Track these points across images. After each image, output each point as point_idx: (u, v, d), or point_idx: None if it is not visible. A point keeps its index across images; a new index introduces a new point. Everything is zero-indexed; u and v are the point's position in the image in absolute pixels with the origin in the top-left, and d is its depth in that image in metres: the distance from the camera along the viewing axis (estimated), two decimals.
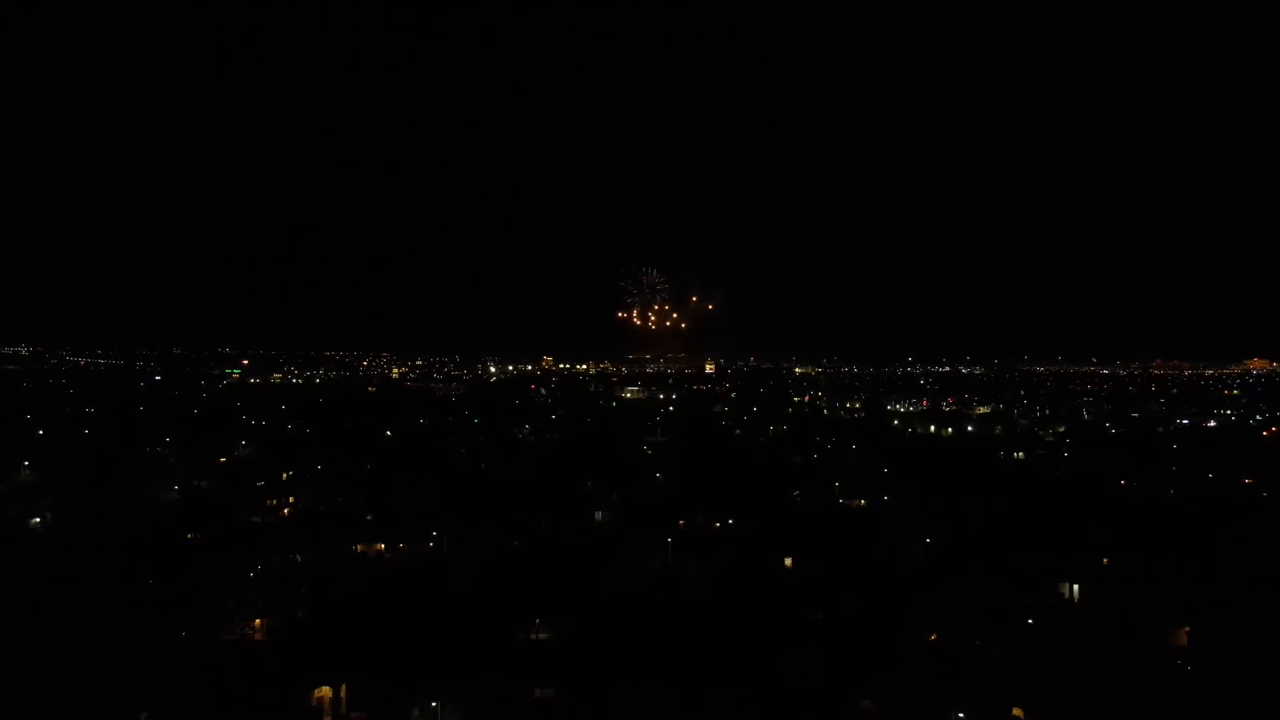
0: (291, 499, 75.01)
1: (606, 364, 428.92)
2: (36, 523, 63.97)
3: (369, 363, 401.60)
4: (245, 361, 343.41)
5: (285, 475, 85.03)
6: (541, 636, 43.23)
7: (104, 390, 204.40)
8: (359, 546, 59.60)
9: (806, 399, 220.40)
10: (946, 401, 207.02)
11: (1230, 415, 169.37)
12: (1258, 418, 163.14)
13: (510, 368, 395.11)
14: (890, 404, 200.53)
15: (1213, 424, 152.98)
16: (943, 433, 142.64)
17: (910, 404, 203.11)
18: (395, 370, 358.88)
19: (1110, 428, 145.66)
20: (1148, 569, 51.11)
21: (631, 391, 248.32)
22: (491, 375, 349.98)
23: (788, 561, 55.46)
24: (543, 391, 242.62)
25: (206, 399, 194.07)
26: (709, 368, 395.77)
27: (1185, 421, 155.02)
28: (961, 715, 34.88)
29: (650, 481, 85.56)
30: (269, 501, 73.42)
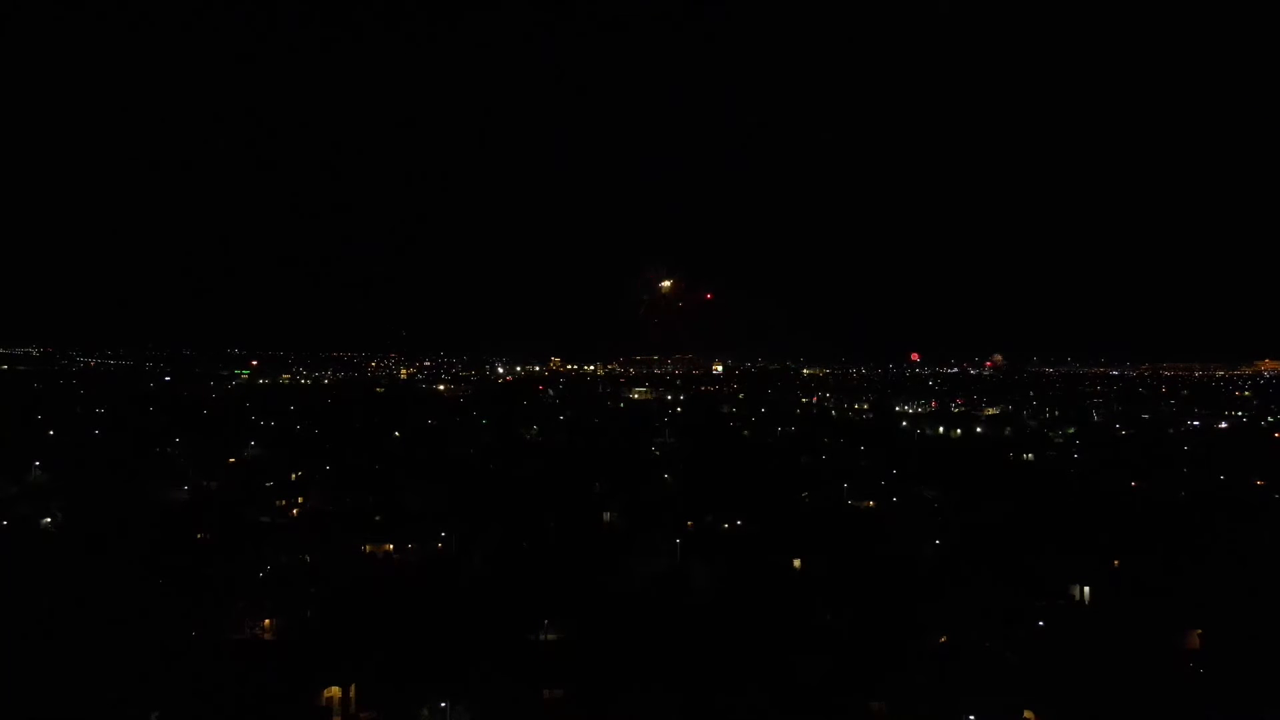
0: (300, 499, 75.17)
1: (615, 365, 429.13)
2: (47, 522, 64.20)
3: (378, 364, 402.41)
4: (254, 362, 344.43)
5: (294, 475, 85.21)
6: (550, 637, 43.20)
7: (114, 391, 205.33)
8: (368, 547, 59.67)
9: (815, 400, 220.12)
10: (955, 403, 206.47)
11: (1242, 416, 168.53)
12: (1269, 419, 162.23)
13: (518, 369, 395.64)
14: (899, 405, 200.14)
15: (1224, 425, 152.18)
16: (951, 434, 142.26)
17: (919, 405, 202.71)
18: (404, 371, 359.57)
19: (1120, 429, 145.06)
20: (1159, 571, 50.84)
21: (640, 392, 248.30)
22: (500, 376, 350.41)
23: (796, 562, 55.34)
24: (551, 392, 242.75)
25: (216, 399, 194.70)
26: (717, 369, 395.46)
27: (1196, 423, 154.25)
28: (972, 718, 34.72)
29: (659, 482, 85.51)
30: (278, 501, 73.56)
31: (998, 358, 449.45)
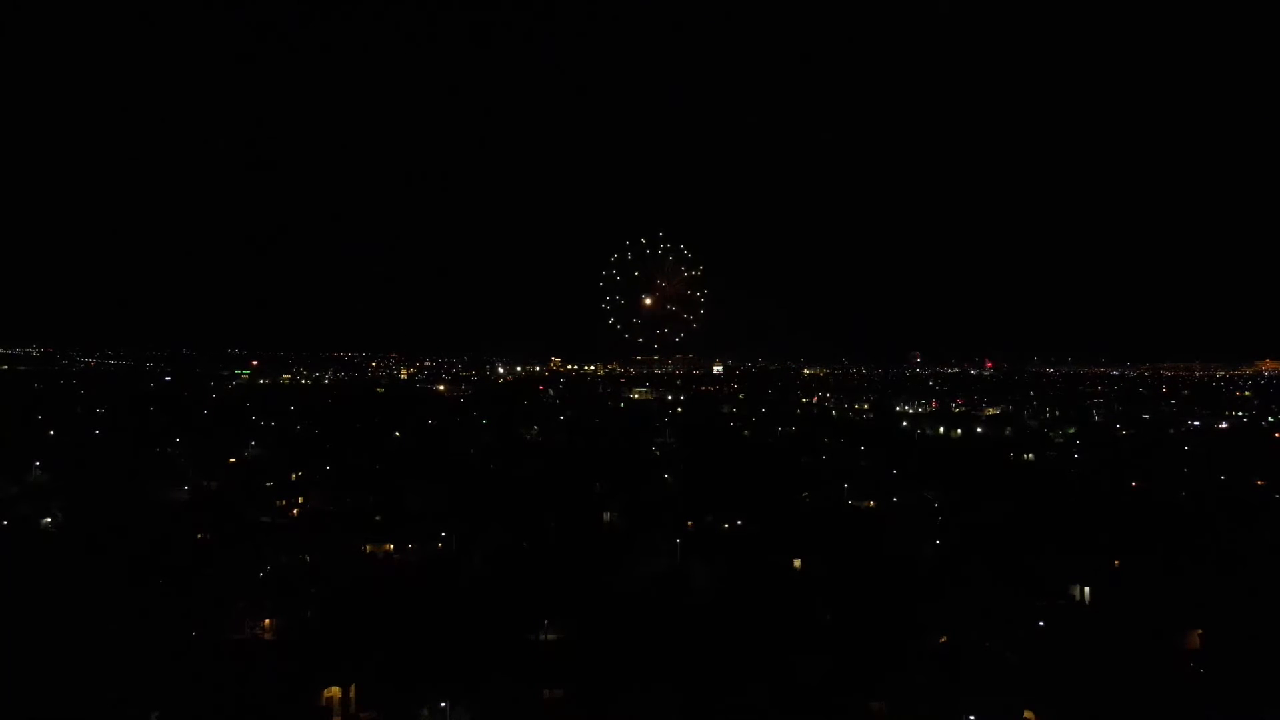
0: (301, 499, 75.20)
1: (615, 365, 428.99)
2: (48, 523, 64.25)
3: (378, 364, 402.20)
4: (255, 362, 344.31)
5: (294, 475, 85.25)
6: (550, 637, 43.23)
7: (114, 391, 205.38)
8: (368, 547, 59.70)
9: (815, 400, 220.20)
10: (955, 403, 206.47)
11: (1242, 417, 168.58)
12: (1269, 419, 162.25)
13: (518, 369, 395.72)
14: (899, 405, 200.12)
15: (1224, 425, 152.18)
16: (952, 434, 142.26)
17: (919, 405, 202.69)
18: (404, 371, 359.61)
19: (1121, 429, 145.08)
20: (1159, 571, 50.84)
21: (640, 392, 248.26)
22: (500, 376, 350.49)
23: (796, 563, 55.35)
24: (551, 392, 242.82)
25: (216, 399, 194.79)
26: (717, 369, 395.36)
27: (1196, 423, 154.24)
28: (972, 717, 34.73)
29: (659, 482, 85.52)
30: (278, 502, 73.60)
31: (1000, 360, 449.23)
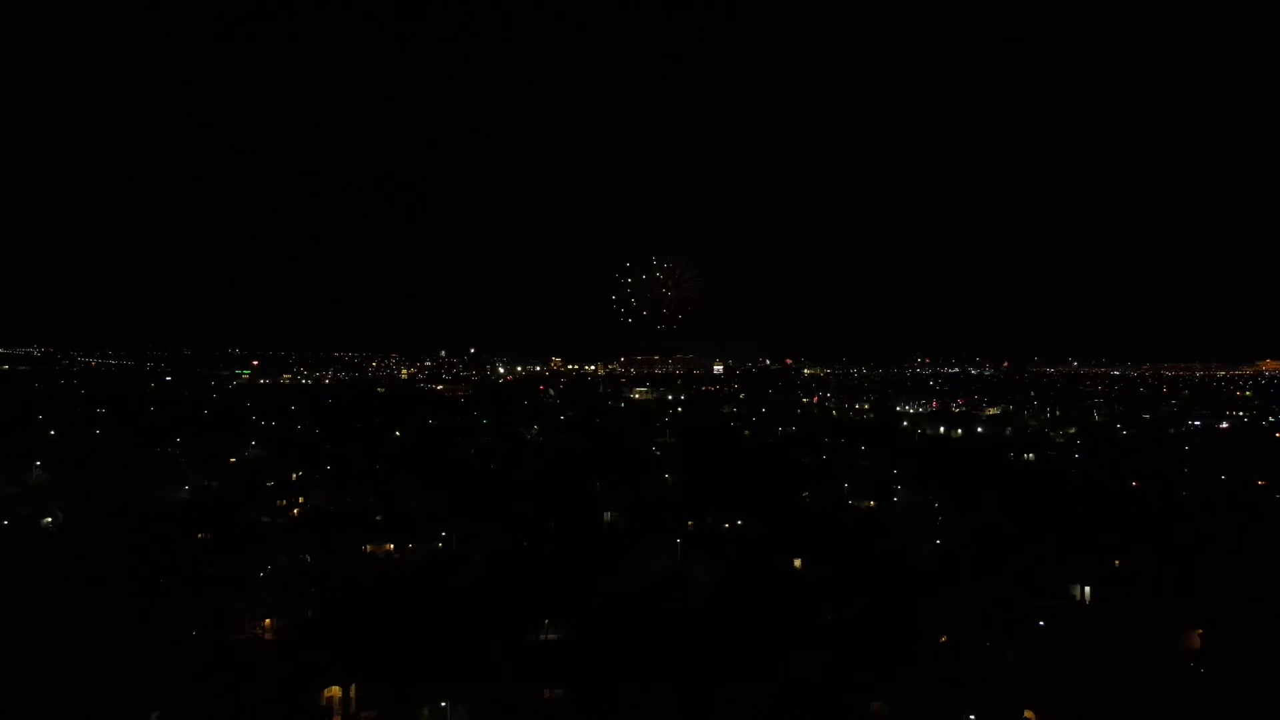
0: (301, 499, 75.14)
1: (615, 365, 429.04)
2: (48, 522, 64.25)
3: (378, 364, 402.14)
4: (255, 362, 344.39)
5: (295, 475, 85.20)
6: (550, 637, 43.21)
7: (115, 391, 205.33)
8: (368, 547, 59.68)
9: (815, 400, 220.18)
10: (956, 402, 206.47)
11: (1243, 417, 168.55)
12: (1270, 419, 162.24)
13: (519, 368, 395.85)
14: (899, 405, 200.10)
15: (1225, 425, 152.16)
16: (952, 434, 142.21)
17: (919, 405, 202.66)
18: (404, 371, 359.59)
19: (1121, 429, 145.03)
20: (1160, 571, 50.80)
21: (640, 392, 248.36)
22: (500, 376, 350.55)
23: (797, 562, 55.33)
24: (551, 392, 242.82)
25: (216, 399, 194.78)
26: (717, 369, 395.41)
27: (1197, 423, 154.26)
28: (972, 717, 34.72)
29: (659, 482, 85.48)
30: (278, 501, 73.51)
31: (1000, 360, 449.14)
